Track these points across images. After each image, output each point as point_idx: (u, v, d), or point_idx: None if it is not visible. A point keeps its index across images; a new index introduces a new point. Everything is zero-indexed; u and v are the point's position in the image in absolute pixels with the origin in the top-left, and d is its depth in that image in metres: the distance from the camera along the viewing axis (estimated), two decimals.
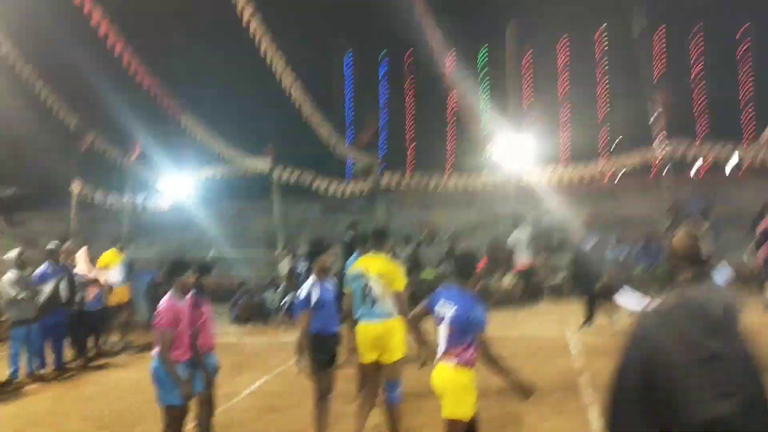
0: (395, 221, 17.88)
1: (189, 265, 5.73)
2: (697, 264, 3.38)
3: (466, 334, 4.54)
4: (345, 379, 7.46)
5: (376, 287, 5.96)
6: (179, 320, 5.45)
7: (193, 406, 5.78)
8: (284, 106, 14.86)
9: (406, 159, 21.30)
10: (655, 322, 0.92)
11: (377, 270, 6.00)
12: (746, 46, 20.27)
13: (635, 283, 14.05)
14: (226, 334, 11.53)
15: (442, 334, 4.65)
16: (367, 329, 5.98)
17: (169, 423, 5.45)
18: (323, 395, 6.10)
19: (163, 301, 5.47)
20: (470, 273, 4.88)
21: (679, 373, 0.85)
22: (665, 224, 14.01)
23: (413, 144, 21.31)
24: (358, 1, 18.85)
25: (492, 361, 4.55)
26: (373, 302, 5.97)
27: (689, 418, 0.81)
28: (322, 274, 6.22)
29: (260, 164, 16.79)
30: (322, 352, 6.07)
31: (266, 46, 12.94)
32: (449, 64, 16.55)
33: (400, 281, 6.01)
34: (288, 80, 13.92)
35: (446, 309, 4.66)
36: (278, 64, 13.56)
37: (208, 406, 6.00)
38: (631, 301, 5.35)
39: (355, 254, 8.30)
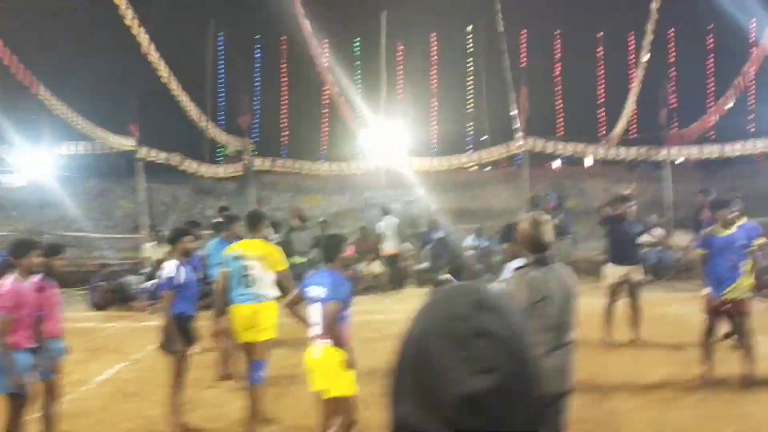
0: (268, 205, 17.83)
1: (34, 246, 5.38)
2: (540, 249, 3.78)
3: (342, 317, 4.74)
4: (202, 365, 7.46)
5: (254, 269, 5.99)
6: (22, 305, 5.08)
7: (39, 395, 5.53)
8: (152, 83, 14.37)
9: (280, 144, 21.20)
10: (434, 299, 1.02)
11: (256, 252, 6.03)
12: (601, 51, 21.93)
13: (495, 271, 14.97)
14: (84, 319, 11.05)
15: (315, 315, 4.81)
16: (241, 310, 6.00)
17: (11, 412, 5.09)
18: (179, 378, 6.08)
19: (5, 284, 5.07)
20: (336, 254, 5.05)
21: (440, 347, 0.95)
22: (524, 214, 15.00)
23: (287, 129, 21.24)
24: None
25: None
26: (250, 284, 6.00)
27: (446, 394, 0.90)
28: (184, 256, 6.20)
29: (124, 142, 16.11)
30: (181, 333, 6.05)
31: (131, 21, 12.46)
32: (323, 52, 16.70)
33: (282, 263, 6.12)
34: (154, 57, 13.47)
35: (317, 291, 4.84)
36: (144, 39, 13.10)
37: (52, 394, 5.73)
38: None
39: (220, 238, 8.27)
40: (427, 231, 14.62)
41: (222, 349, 7.37)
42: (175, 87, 14.59)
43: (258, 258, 6.01)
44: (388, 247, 14.35)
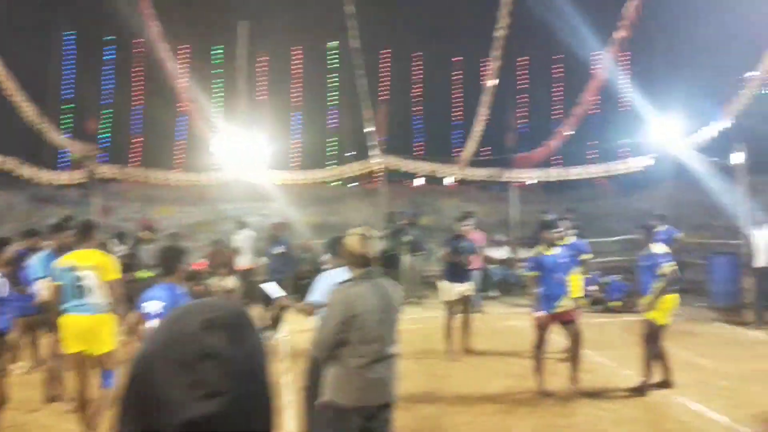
0: (115, 216, 16.86)
1: None
2: (364, 264, 3.84)
3: None
4: (29, 385, 6.89)
5: (89, 279, 5.80)
6: None
7: None
8: None
9: (131, 151, 20.14)
10: (166, 318, 0.96)
11: (89, 263, 5.85)
12: (457, 74, 22.88)
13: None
14: None
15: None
16: (76, 321, 5.80)
17: None
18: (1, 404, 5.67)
19: None
20: (174, 267, 4.87)
21: (165, 370, 0.88)
22: (381, 231, 15.23)
23: (140, 136, 20.25)
24: None
25: None
26: (84, 295, 5.80)
27: (169, 420, 0.84)
28: (5, 267, 5.81)
29: None
30: None
31: None
32: (179, 57, 16.12)
33: (114, 272, 5.93)
34: None
35: (154, 306, 4.63)
36: None
37: None
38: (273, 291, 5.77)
39: (49, 250, 7.71)
40: (267, 245, 14.35)
41: (50, 368, 6.92)
42: (9, 87, 13.46)
43: (92, 268, 5.84)
44: (244, 261, 13.99)
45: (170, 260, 4.89)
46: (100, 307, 5.84)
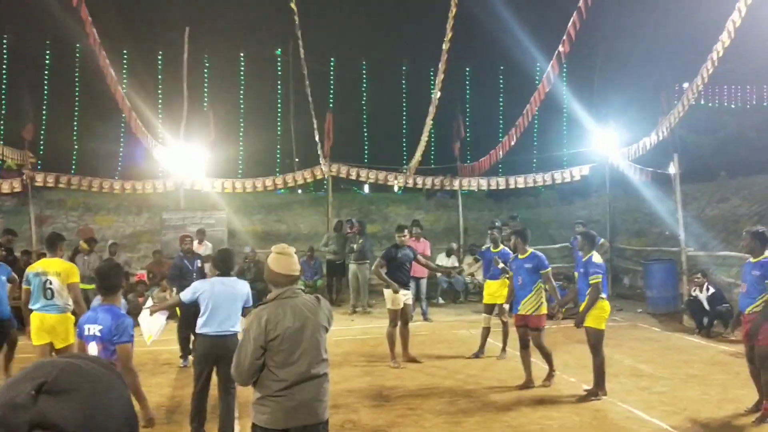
0: (53, 225, 16.28)
1: None
2: (283, 283, 3.77)
3: (115, 352, 4.47)
4: None
5: (55, 283, 6.81)
6: None
7: None
8: None
9: (70, 159, 19.51)
10: (4, 383, 0.92)
11: (55, 269, 6.89)
12: (404, 83, 23.03)
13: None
14: None
15: (93, 353, 4.46)
16: (44, 318, 6.83)
17: None
18: None
19: None
20: (114, 286, 4.74)
21: None
22: (327, 239, 15.17)
23: (78, 144, 19.64)
24: None
25: (132, 373, 4.52)
26: (51, 296, 6.83)
27: None
28: None
29: None
30: None
31: None
32: (118, 63, 15.74)
33: (74, 277, 6.94)
34: None
35: (92, 329, 4.53)
36: None
37: None
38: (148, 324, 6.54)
39: None
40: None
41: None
42: None
43: (56, 274, 6.85)
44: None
45: (109, 279, 4.71)
46: (62, 308, 6.86)
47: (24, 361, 8.55)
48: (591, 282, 7.37)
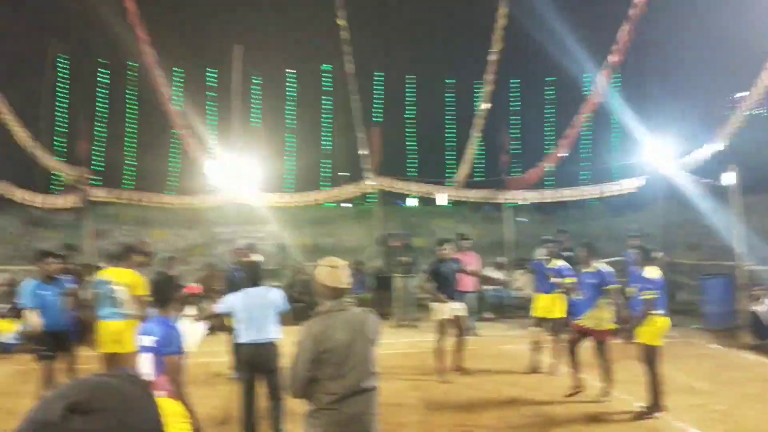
0: (108, 239, 16.77)
1: None
2: (333, 296, 3.76)
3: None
4: None
5: (121, 293, 6.93)
6: None
7: None
8: None
9: (125, 175, 20.09)
10: (37, 403, 1.01)
11: (124, 279, 7.00)
12: (450, 97, 23.02)
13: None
14: None
15: (145, 365, 4.55)
16: (108, 326, 6.97)
17: None
18: None
19: None
20: (168, 299, 4.81)
21: None
22: (375, 253, 15.20)
23: (133, 160, 20.23)
24: (72, 3, 17.51)
25: (179, 385, 4.52)
26: (117, 304, 6.96)
27: None
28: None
29: None
30: None
31: None
32: (173, 81, 16.17)
33: (142, 288, 6.93)
34: None
35: (146, 341, 4.59)
36: None
37: None
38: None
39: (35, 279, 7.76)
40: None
41: None
42: (2, 111, 13.47)
43: (124, 284, 6.98)
44: None
45: (164, 292, 4.81)
46: (127, 316, 6.93)
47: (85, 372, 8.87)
48: (642, 298, 7.20)
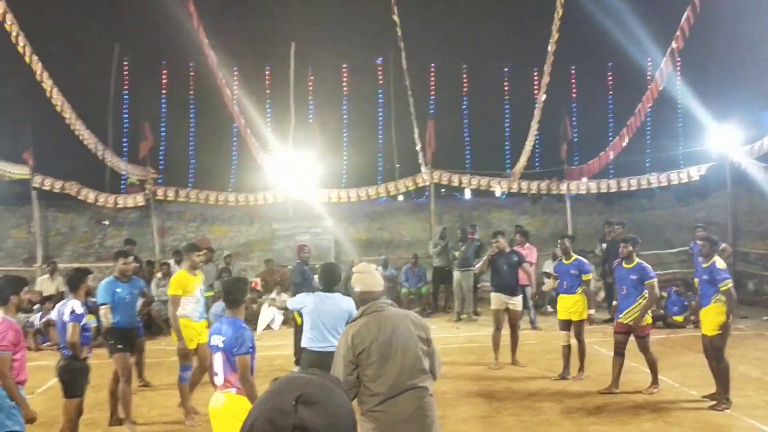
0: (172, 236, 17.30)
1: (26, 283, 5.42)
2: (369, 298, 3.85)
3: (235, 363, 4.63)
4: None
5: (201, 294, 7.63)
6: (19, 342, 4.95)
7: None
8: (48, 111, 13.83)
9: (187, 173, 20.72)
10: (267, 391, 1.25)
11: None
12: (506, 85, 22.73)
13: (401, 302, 15.01)
14: None
15: (217, 363, 4.70)
16: (194, 325, 7.44)
17: None
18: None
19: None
20: (239, 301, 4.95)
21: None
22: (433, 247, 15.12)
23: (194, 158, 20.85)
24: (134, 7, 18.13)
25: (249, 384, 4.63)
26: (201, 304, 7.64)
27: None
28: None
29: (18, 170, 15.33)
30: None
31: (23, 48, 11.99)
32: (231, 80, 16.51)
33: (170, 288, 7.42)
34: (47, 85, 12.95)
35: (215, 340, 4.75)
36: (37, 67, 12.61)
37: None
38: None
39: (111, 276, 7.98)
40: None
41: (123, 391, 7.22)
42: (68, 114, 14.03)
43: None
44: None
45: (235, 294, 4.94)
46: (181, 314, 7.33)
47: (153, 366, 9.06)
48: (722, 289, 7.03)
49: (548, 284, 11.17)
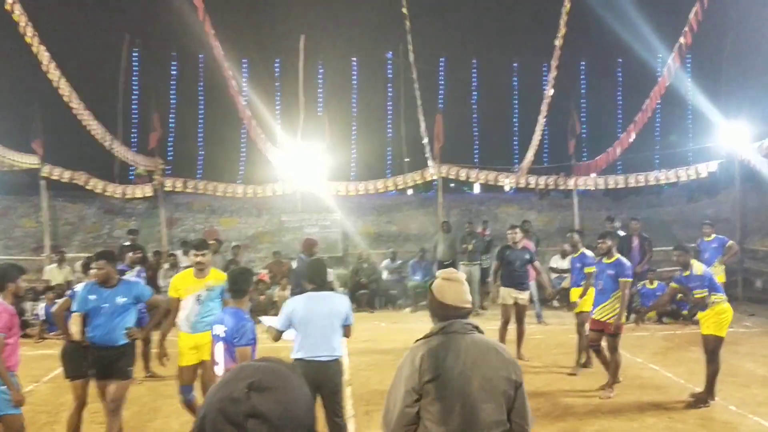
0: (181, 227, 17.37)
1: (22, 270, 5.47)
2: (446, 316, 3.00)
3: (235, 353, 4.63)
4: None
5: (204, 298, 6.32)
6: (13, 327, 5.04)
7: None
8: (57, 100, 13.89)
9: (195, 164, 20.81)
10: (220, 381, 1.23)
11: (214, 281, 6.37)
12: (515, 80, 22.70)
13: (408, 296, 15.07)
14: None
15: (218, 353, 4.71)
16: (191, 337, 6.28)
17: None
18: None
19: None
20: (243, 291, 4.90)
21: (216, 428, 1.14)
22: (438, 240, 15.16)
23: (203, 149, 20.94)
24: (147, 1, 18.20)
25: None
26: (193, 313, 6.28)
27: None
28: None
29: (27, 159, 15.40)
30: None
31: (31, 38, 12.04)
32: (240, 72, 16.56)
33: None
34: (54, 75, 13.01)
35: (217, 329, 4.74)
36: (44, 57, 12.66)
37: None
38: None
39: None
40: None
41: None
42: (76, 105, 14.09)
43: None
44: None
45: (240, 284, 4.90)
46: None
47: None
48: (697, 296, 7.22)
49: (566, 282, 11.35)
